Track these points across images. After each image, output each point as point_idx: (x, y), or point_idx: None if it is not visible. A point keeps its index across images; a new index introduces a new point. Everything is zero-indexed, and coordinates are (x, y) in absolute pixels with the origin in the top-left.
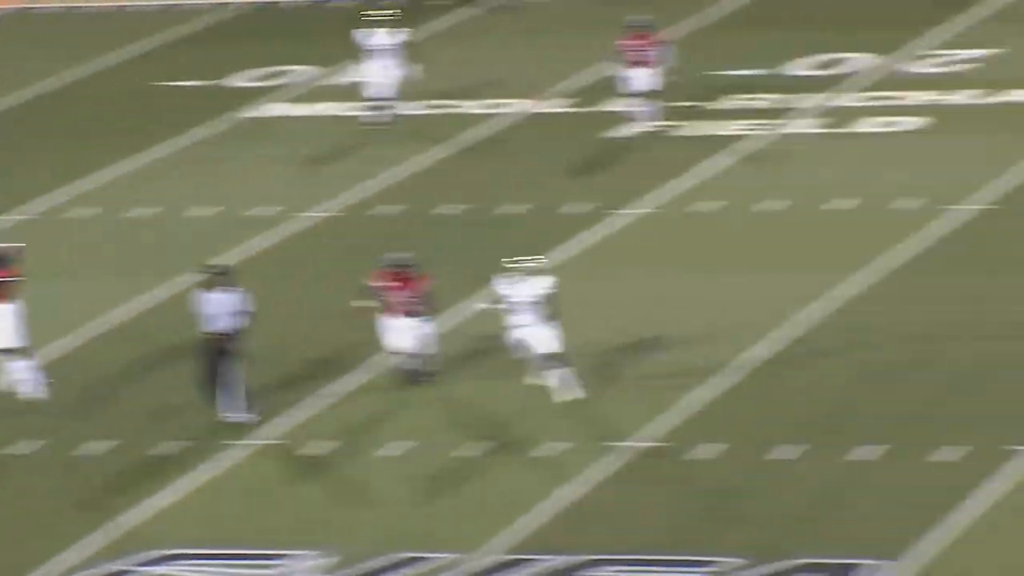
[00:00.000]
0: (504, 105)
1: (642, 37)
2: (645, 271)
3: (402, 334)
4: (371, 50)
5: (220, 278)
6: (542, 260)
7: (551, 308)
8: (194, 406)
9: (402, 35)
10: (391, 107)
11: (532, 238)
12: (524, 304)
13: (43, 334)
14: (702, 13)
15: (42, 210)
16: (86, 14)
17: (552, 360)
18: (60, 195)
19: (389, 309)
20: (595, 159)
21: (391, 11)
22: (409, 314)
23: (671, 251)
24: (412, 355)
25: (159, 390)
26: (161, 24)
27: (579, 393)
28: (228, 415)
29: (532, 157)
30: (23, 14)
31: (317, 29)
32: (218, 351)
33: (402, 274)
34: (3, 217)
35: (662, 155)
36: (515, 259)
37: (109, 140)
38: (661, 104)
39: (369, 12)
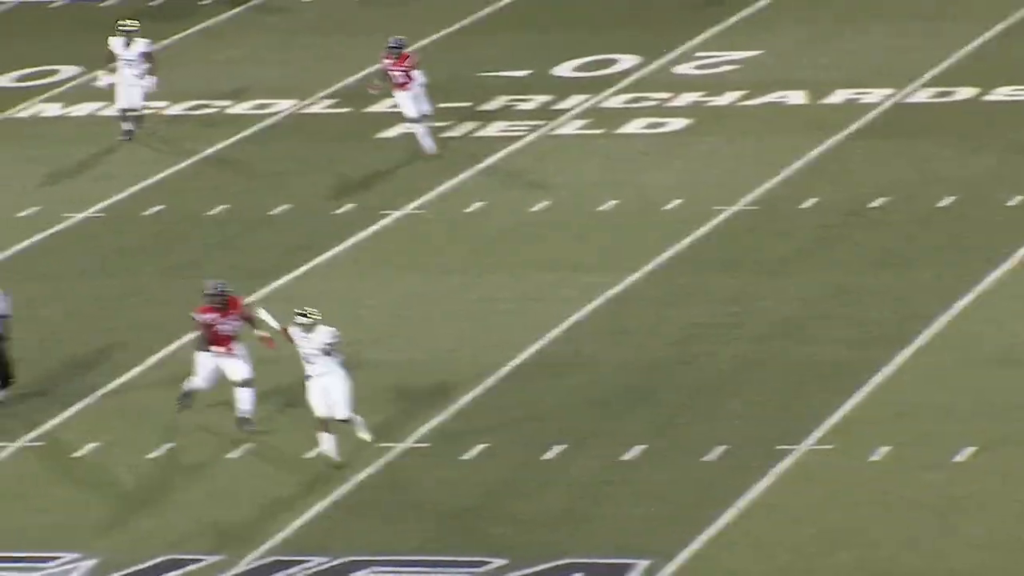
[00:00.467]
0: (270, 106)
1: (399, 59)
2: (414, 273)
3: (236, 366)
4: (121, 58)
5: None
6: (316, 314)
7: (339, 357)
8: None
9: (143, 45)
10: (141, 113)
11: (301, 239)
12: (315, 354)
13: None
14: (471, 14)
15: None
16: None
17: (340, 422)
18: None
19: (216, 342)
20: (365, 160)
21: (132, 21)
22: (234, 342)
23: (440, 252)
24: (245, 386)
25: None
26: None
27: (367, 436)
28: None
29: (300, 158)
30: None
31: (84, 29)
32: None
33: (221, 300)
34: None
35: (431, 156)
36: (303, 310)
37: None
38: (427, 125)
39: (124, 20)
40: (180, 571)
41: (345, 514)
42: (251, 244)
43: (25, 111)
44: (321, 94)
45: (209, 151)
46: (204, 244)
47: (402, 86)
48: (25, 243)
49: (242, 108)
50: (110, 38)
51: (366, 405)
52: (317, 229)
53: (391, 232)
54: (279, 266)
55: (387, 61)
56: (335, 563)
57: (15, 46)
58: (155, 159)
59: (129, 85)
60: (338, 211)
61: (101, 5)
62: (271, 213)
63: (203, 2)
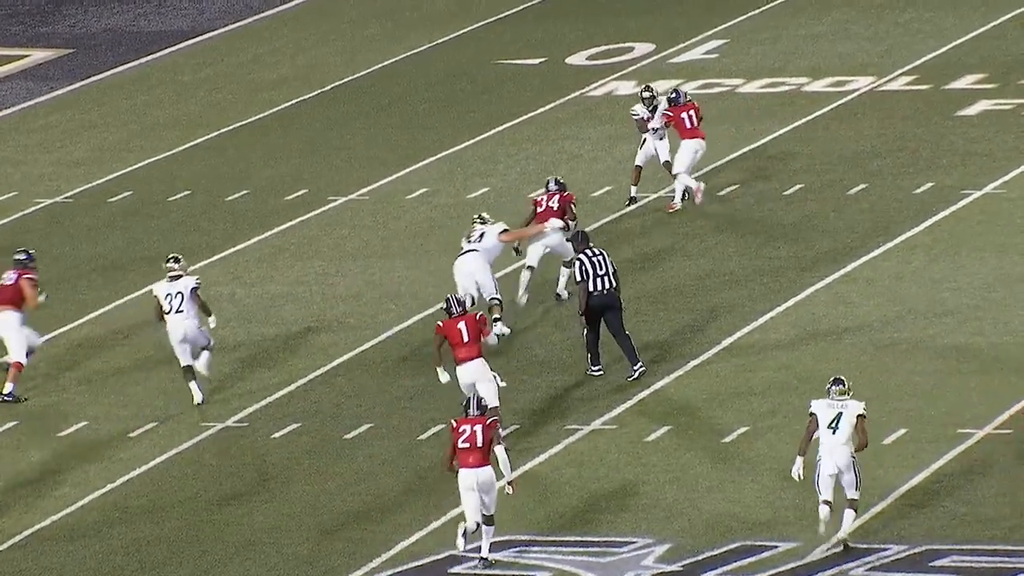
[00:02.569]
0: (847, 83)
1: None
2: (992, 254)
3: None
4: (649, 125)
5: None
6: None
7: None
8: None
9: (664, 105)
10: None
11: (879, 219)
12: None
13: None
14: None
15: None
16: None
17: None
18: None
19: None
20: (944, 138)
21: (652, 87)
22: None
23: (1021, 233)
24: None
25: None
26: None
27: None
28: None
29: (876, 137)
30: None
31: (657, 6)
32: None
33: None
34: None
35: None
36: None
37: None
38: None
39: (646, 85)
40: (754, 557)
41: (921, 501)
42: (828, 224)
43: (599, 89)
44: (899, 71)
45: (784, 130)
46: (779, 224)
47: None
48: (601, 221)
49: (818, 86)
50: (636, 105)
51: (942, 388)
52: (894, 209)
53: (969, 212)
54: (855, 247)
55: None
56: (913, 551)
57: (589, 24)
58: (733, 137)
59: (658, 149)
60: (916, 191)
61: None
62: (848, 193)
63: None
